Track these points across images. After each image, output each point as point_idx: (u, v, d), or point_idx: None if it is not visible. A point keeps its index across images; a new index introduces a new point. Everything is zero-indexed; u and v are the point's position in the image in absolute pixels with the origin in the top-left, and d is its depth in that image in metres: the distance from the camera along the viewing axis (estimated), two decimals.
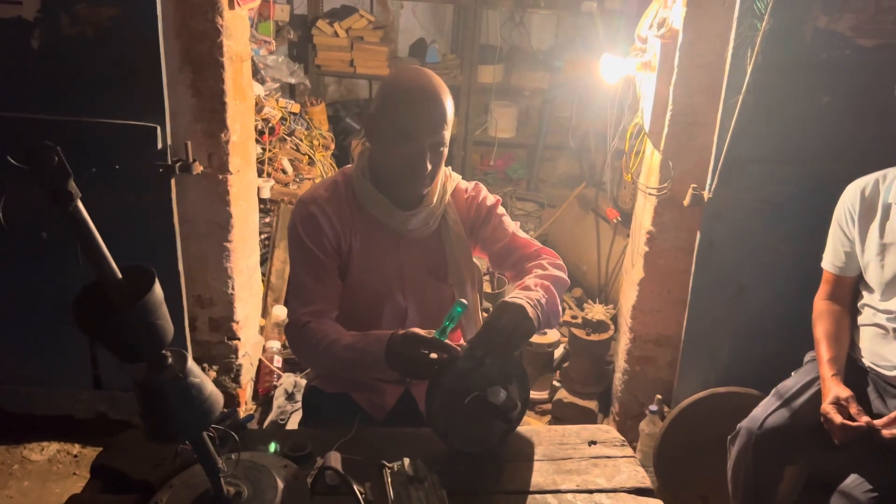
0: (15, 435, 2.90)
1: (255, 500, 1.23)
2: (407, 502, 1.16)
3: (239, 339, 2.94)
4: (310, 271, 1.75)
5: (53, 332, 2.75)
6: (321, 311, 1.73)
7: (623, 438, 1.62)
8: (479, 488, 1.42)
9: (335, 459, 1.37)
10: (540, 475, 1.47)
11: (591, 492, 1.43)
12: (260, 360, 3.18)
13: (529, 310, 1.54)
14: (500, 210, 1.92)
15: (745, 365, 2.61)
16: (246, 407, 3.08)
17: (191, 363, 1.08)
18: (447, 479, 1.41)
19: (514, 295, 1.61)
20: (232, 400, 3.00)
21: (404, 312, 1.85)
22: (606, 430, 1.65)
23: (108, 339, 1.00)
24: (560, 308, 1.74)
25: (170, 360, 1.07)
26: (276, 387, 3.11)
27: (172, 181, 2.55)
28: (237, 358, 2.96)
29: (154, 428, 1.09)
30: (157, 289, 1.00)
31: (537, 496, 1.41)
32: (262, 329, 3.28)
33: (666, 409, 2.73)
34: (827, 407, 1.91)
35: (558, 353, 3.33)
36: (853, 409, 1.89)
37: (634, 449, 2.80)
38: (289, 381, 3.09)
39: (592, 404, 3.10)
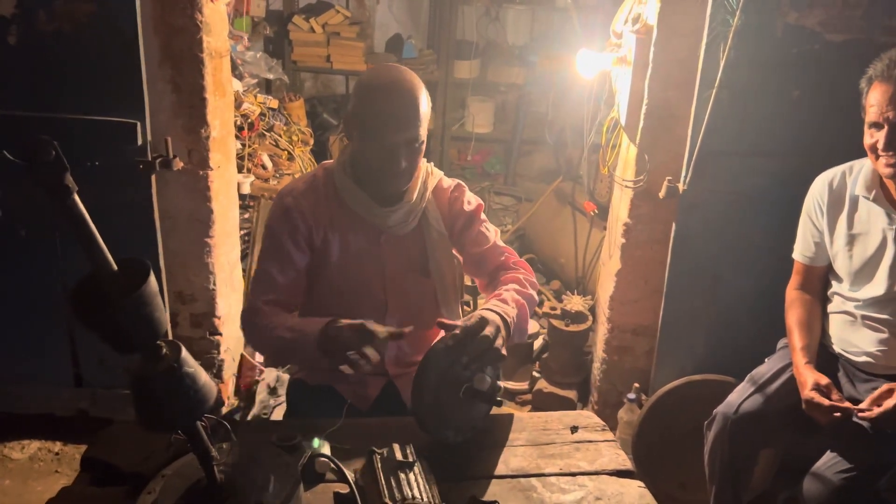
0: None
1: (248, 487, 1.25)
2: (397, 487, 1.19)
3: (221, 335, 2.95)
4: (275, 263, 1.77)
5: (33, 330, 2.74)
6: (280, 301, 1.76)
7: (604, 423, 1.67)
8: (467, 473, 1.46)
9: (324, 447, 1.40)
10: (524, 460, 1.51)
11: (573, 474, 1.47)
12: (242, 356, 3.19)
13: (503, 327, 1.59)
14: (483, 216, 1.95)
15: (721, 353, 2.67)
16: (228, 402, 3.08)
17: (185, 354, 1.10)
18: (435, 466, 1.45)
19: (490, 307, 1.65)
20: (219, 397, 3.00)
21: (384, 308, 1.87)
22: (588, 416, 1.70)
23: (104, 329, 1.02)
24: (528, 327, 1.79)
25: (164, 350, 1.09)
26: (258, 382, 3.12)
27: (153, 177, 2.55)
28: (219, 353, 2.97)
29: (149, 418, 1.11)
30: (153, 280, 1.02)
31: (522, 480, 1.45)
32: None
33: (644, 397, 2.79)
34: (810, 393, 1.95)
35: (537, 344, 3.38)
36: (835, 396, 1.95)
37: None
38: (271, 375, 3.10)
39: (572, 394, 3.15)
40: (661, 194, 2.54)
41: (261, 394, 3.03)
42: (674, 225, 2.58)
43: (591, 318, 3.24)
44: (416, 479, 1.22)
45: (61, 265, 2.60)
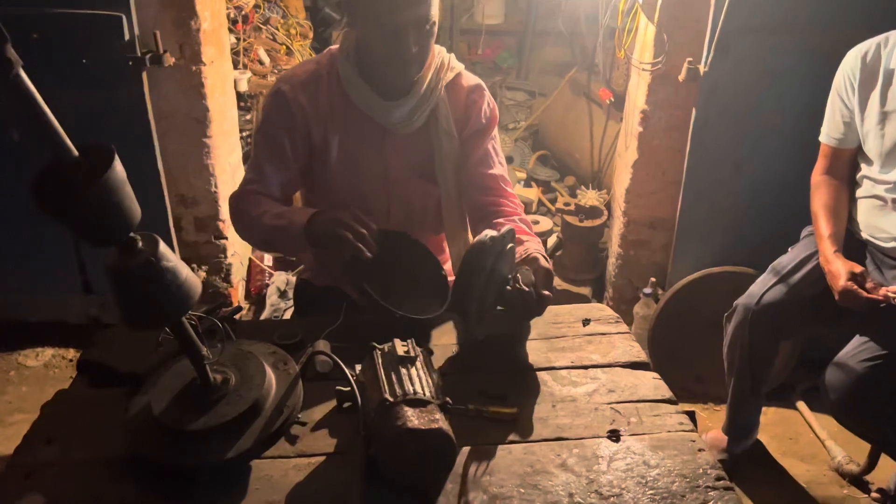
0: (9, 342, 2.90)
1: (244, 386, 1.20)
2: (398, 381, 1.14)
3: (226, 239, 2.89)
4: (268, 156, 1.65)
5: (39, 239, 2.70)
6: (268, 193, 1.64)
7: (617, 315, 1.59)
8: (471, 368, 1.40)
9: (324, 346, 1.34)
10: (534, 354, 1.44)
11: (585, 367, 1.40)
12: (250, 260, 3.15)
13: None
14: (495, 132, 1.77)
15: (742, 244, 2.59)
16: (238, 305, 3.06)
17: (163, 247, 1.02)
18: (440, 360, 1.40)
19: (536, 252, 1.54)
20: (224, 300, 2.98)
21: (387, 213, 1.74)
22: (600, 308, 1.62)
23: (72, 221, 0.94)
24: None
25: (140, 244, 1.01)
26: (268, 285, 3.09)
27: (144, 74, 2.44)
28: (226, 258, 2.92)
29: (130, 315, 1.04)
30: (118, 166, 0.93)
31: (531, 373, 1.39)
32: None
33: (660, 291, 2.72)
34: (847, 284, 1.85)
35: (551, 241, 3.31)
36: (869, 283, 1.85)
37: None
38: (280, 279, 3.06)
39: (586, 290, 3.10)
40: (681, 77, 2.41)
41: (271, 297, 3.00)
42: (694, 110, 2.45)
43: (606, 212, 3.15)
44: (418, 374, 1.16)
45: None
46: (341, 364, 1.23)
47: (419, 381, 1.15)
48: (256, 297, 3.12)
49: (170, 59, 2.45)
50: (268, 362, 1.27)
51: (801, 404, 2.62)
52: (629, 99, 2.82)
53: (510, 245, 1.40)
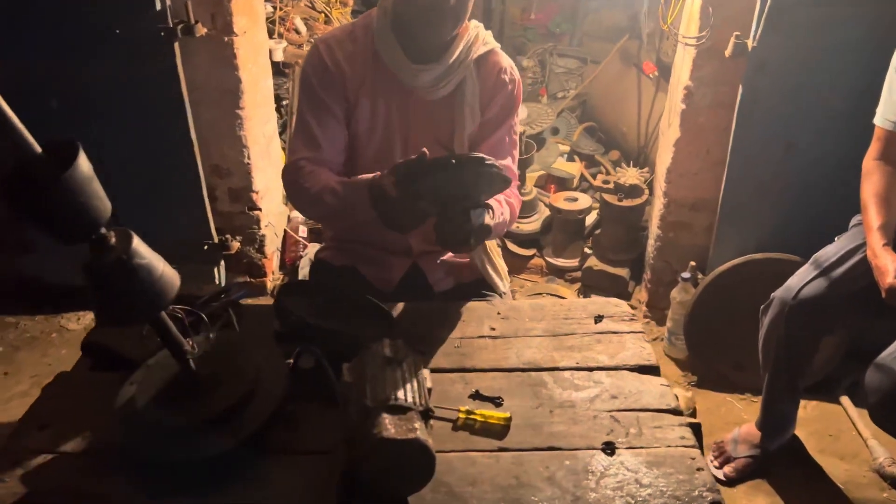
0: (53, 305, 2.98)
1: (232, 380, 1.18)
2: (381, 385, 1.10)
3: (260, 210, 2.89)
4: (314, 114, 1.65)
5: None
6: (321, 158, 1.64)
7: (633, 312, 1.52)
8: (469, 367, 1.35)
9: None
10: (538, 352, 1.39)
11: (590, 369, 1.34)
12: (285, 231, 3.15)
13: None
14: (515, 119, 1.76)
15: (788, 229, 2.45)
16: (273, 277, 3.07)
17: (136, 244, 1.00)
18: (439, 357, 1.35)
19: None
20: (258, 270, 3.00)
21: None
22: (616, 304, 1.55)
23: (38, 219, 0.93)
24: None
25: (113, 240, 0.99)
26: (301, 257, 3.09)
27: (176, 45, 2.43)
28: (260, 228, 2.92)
29: (106, 311, 1.04)
30: (83, 163, 0.91)
31: (532, 374, 1.33)
32: (286, 199, 3.21)
33: (700, 276, 2.61)
34: (894, 281, 1.73)
35: (590, 219, 3.20)
36: None
37: (665, 317, 2.71)
38: (314, 250, 3.05)
39: (623, 272, 3.00)
40: (728, 52, 2.27)
41: (304, 269, 3.00)
42: (741, 87, 2.30)
43: (647, 191, 3.02)
44: (403, 377, 1.12)
45: (96, 137, 2.54)
46: (327, 366, 1.19)
47: (403, 385, 1.11)
48: (291, 267, 3.13)
49: (201, 30, 2.43)
50: (259, 356, 1.25)
51: (844, 399, 2.49)
52: (674, 74, 2.68)
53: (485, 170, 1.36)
